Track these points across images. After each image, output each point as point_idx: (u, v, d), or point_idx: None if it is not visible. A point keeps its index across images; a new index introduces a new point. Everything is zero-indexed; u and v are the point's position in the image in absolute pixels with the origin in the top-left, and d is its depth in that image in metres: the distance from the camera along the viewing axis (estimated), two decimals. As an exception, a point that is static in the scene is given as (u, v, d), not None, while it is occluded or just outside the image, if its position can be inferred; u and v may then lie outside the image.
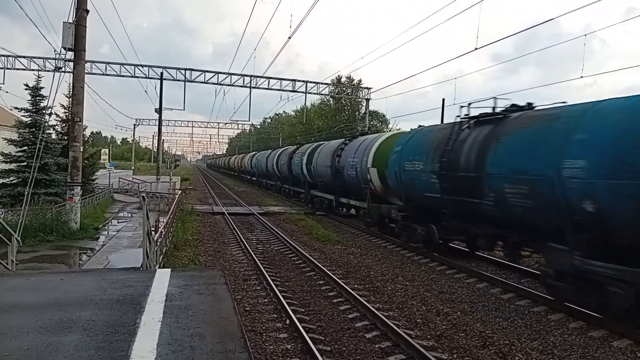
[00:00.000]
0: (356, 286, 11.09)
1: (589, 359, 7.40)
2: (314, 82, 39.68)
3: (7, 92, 29.82)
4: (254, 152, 61.40)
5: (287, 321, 8.47)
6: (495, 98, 12.03)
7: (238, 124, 73.20)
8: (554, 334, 8.40)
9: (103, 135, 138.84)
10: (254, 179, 54.85)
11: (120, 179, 40.41)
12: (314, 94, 41.30)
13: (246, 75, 37.29)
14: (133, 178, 43.77)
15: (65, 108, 27.14)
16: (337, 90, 50.16)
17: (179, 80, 36.13)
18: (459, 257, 14.59)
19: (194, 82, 36.55)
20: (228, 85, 37.49)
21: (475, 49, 18.53)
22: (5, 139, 23.77)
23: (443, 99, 32.56)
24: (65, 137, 24.48)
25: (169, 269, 8.73)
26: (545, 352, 7.53)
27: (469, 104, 12.79)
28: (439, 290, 11.18)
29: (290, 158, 34.21)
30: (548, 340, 8.10)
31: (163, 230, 12.68)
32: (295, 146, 35.70)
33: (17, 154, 23.18)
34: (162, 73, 35.10)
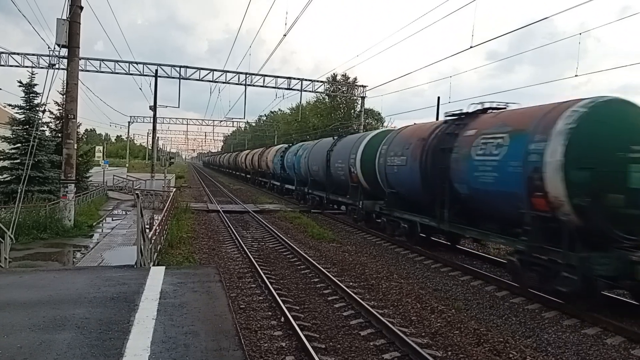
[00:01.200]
0: (351, 284, 11.10)
1: (582, 356, 7.44)
2: (310, 80, 39.72)
3: (0, 88, 29.61)
4: (286, 145, 37.55)
5: (282, 319, 8.46)
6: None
7: (233, 121, 73.20)
8: (547, 331, 8.43)
9: (97, 132, 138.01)
10: (290, 187, 33.28)
11: (115, 177, 40.26)
12: (310, 91, 41.30)
13: (241, 73, 37.23)
14: (127, 175, 43.62)
15: (59, 105, 26.99)
16: (332, 88, 50.17)
17: (173, 78, 36.02)
18: (455, 254, 14.63)
19: (189, 79, 36.46)
20: (223, 82, 37.47)
21: (471, 47, 18.57)
22: (-1, 136, 23.63)
23: (438, 97, 32.61)
24: (59, 135, 24.32)
25: (163, 267, 8.69)
26: (539, 350, 7.56)
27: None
28: (433, 288, 11.21)
29: (434, 150, 13.80)
30: (542, 337, 8.13)
31: (157, 227, 12.65)
32: (446, 119, 14.28)
33: (11, 151, 23.01)
34: (156, 70, 34.98)
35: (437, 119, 31.23)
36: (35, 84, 23.87)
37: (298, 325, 7.89)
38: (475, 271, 12.34)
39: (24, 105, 23.65)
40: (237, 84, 37.49)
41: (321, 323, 8.51)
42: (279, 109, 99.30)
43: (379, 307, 9.38)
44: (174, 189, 30.93)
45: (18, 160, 22.24)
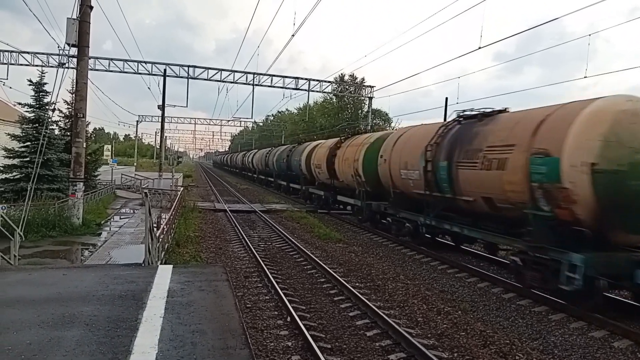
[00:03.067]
0: (357, 284, 11.10)
1: (589, 359, 7.40)
2: (317, 80, 39.80)
3: (10, 87, 29.97)
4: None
5: (288, 318, 8.49)
6: None
7: (241, 121, 73.32)
8: (554, 334, 8.39)
9: (106, 131, 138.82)
10: None
11: (123, 175, 40.48)
12: (317, 91, 41.37)
13: (249, 73, 37.36)
14: (135, 174, 43.87)
15: (68, 104, 27.17)
16: (340, 89, 50.17)
17: (182, 77, 36.18)
18: (461, 255, 14.60)
19: (197, 79, 36.63)
20: (231, 82, 37.62)
21: (479, 47, 18.47)
22: (9, 134, 23.81)
23: (446, 98, 32.46)
24: (68, 133, 24.48)
25: (171, 265, 8.76)
26: (546, 352, 7.53)
27: None
28: (440, 289, 11.18)
29: None
30: (549, 340, 8.10)
31: (165, 226, 12.72)
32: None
33: (20, 150, 23.20)
34: (165, 70, 35.17)
35: (444, 119, 31.13)
36: (45, 83, 24.08)
37: (304, 325, 7.91)
38: (482, 273, 12.31)
39: (33, 103, 23.83)
40: (244, 83, 37.63)
41: (327, 323, 8.52)
42: (287, 109, 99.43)
43: (385, 307, 9.38)
44: (182, 188, 31.05)
45: (27, 159, 22.41)
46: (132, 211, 24.64)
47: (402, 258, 14.68)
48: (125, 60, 35.09)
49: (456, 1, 17.35)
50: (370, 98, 43.87)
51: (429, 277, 12.36)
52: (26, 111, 24.37)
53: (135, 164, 77.19)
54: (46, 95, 23.78)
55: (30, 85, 23.89)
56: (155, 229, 10.40)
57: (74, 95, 20.62)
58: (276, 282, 10.74)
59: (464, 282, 11.87)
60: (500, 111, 12.52)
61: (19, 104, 24.82)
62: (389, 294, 10.48)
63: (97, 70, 34.47)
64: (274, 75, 38.32)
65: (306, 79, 39.21)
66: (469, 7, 16.83)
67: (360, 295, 9.68)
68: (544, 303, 9.90)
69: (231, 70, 37.16)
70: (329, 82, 42.53)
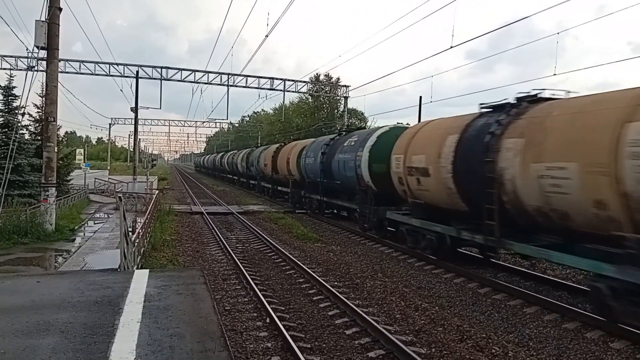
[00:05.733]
0: (336, 283, 11.16)
1: (563, 350, 7.59)
2: (292, 80, 39.76)
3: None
4: None
5: (268, 320, 8.49)
6: None
7: (216, 122, 72.78)
8: (529, 326, 8.59)
9: (78, 135, 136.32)
10: None
11: (96, 180, 39.77)
12: (293, 92, 41.33)
13: (223, 74, 37.12)
14: (109, 178, 43.13)
15: (38, 108, 26.55)
16: (315, 89, 50.27)
17: (155, 79, 35.76)
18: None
19: (171, 80, 36.24)
20: (205, 83, 37.31)
21: (451, 47, 18.76)
22: (-24, 139, 23.17)
23: (420, 97, 32.80)
24: (39, 138, 23.96)
25: (147, 270, 8.67)
26: (521, 345, 7.71)
27: None
28: (417, 286, 11.32)
29: None
30: (524, 332, 8.28)
31: (140, 230, 12.55)
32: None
33: (-11, 155, 22.63)
34: (137, 71, 34.69)
35: (419, 118, 31.44)
36: (14, 87, 23.54)
37: (283, 325, 7.93)
38: (458, 269, 12.49)
39: (2, 108, 23.26)
40: (219, 84, 37.39)
41: (307, 323, 8.55)
42: (262, 110, 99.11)
43: (364, 305, 9.46)
44: (157, 191, 30.67)
45: (-3, 164, 21.86)
46: (106, 216, 24.25)
47: (380, 256, 14.80)
48: (97, 63, 34.54)
49: (427, 1, 17.55)
50: (346, 98, 44.06)
51: (406, 274, 12.49)
52: (-6, 116, 23.77)
53: (108, 167, 75.90)
54: (15, 99, 23.24)
55: (-2, 89, 23.32)
56: (130, 233, 10.28)
57: (44, 98, 20.23)
58: (255, 283, 10.73)
59: (440, 278, 12.03)
60: None
61: (-13, 108, 24.19)
62: (368, 292, 10.57)
63: (67, 72, 33.85)
64: (249, 76, 38.20)
65: (281, 79, 39.21)
66: (440, 7, 17.03)
67: (339, 294, 9.74)
68: (519, 297, 10.12)
69: (205, 71, 36.88)
70: (305, 82, 42.57)
